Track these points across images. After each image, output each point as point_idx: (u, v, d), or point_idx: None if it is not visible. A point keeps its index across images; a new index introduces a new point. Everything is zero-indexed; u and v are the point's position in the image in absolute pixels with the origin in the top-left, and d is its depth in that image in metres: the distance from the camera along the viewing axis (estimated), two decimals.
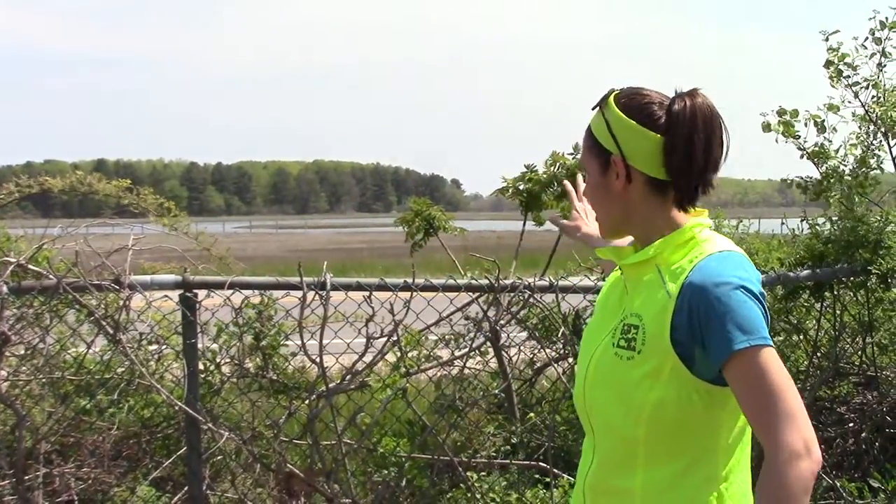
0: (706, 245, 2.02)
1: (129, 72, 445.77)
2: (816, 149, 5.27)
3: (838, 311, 5.11)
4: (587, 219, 2.74)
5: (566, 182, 3.01)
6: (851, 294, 5.20)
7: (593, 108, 2.09)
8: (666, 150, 1.98)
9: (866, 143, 5.28)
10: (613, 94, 2.07)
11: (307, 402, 4.51)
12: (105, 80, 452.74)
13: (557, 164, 5.58)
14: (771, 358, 1.87)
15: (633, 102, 2.03)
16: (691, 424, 1.96)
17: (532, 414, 4.93)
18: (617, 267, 2.20)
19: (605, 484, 2.06)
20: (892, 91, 5.24)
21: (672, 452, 1.97)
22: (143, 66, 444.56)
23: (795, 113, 5.25)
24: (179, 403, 4.34)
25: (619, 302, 2.11)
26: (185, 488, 4.44)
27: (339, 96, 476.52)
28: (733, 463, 2.02)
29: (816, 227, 5.21)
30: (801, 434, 1.82)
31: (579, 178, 2.87)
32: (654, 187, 2.03)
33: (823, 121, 5.26)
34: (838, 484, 4.86)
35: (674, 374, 1.93)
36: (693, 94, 2.01)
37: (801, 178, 5.39)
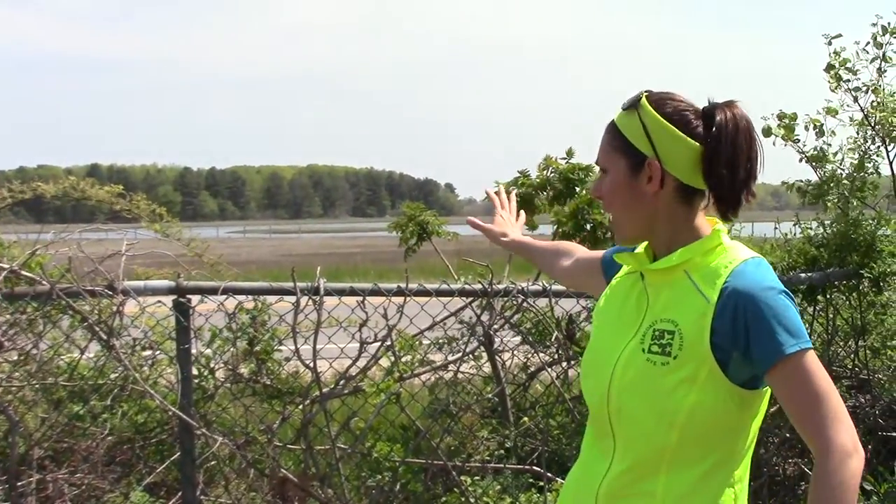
0: (735, 251, 2.06)
1: (122, 76, 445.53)
2: (815, 153, 5.29)
3: (831, 315, 5.13)
4: (511, 226, 2.89)
5: (488, 191, 3.08)
6: (844, 297, 5.21)
7: (624, 108, 2.10)
8: (707, 158, 2.01)
9: (863, 148, 5.29)
10: (645, 95, 2.09)
11: (301, 406, 4.51)
12: (99, 84, 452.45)
13: (550, 169, 5.59)
14: (815, 361, 1.94)
15: (670, 108, 2.06)
16: (719, 428, 1.99)
17: (526, 418, 4.93)
18: (619, 272, 2.26)
19: (627, 489, 2.03)
20: (892, 96, 5.26)
21: (697, 456, 1.99)
22: (136, 69, 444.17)
23: (794, 116, 5.27)
24: (173, 409, 4.34)
25: (638, 307, 2.10)
26: (179, 494, 4.43)
27: (333, 100, 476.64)
28: (745, 465, 2.06)
29: (809, 231, 5.22)
30: (850, 434, 1.89)
31: (501, 188, 3.05)
32: (684, 194, 2.06)
33: (822, 125, 5.27)
34: None
35: (710, 378, 1.95)
36: (731, 104, 2.05)
37: (801, 181, 5.41)
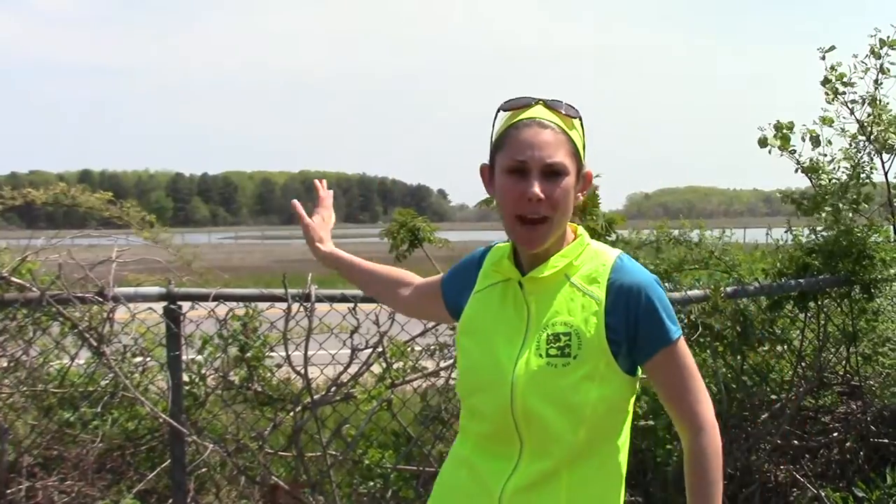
0: (602, 249, 2.19)
1: (114, 81, 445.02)
2: (811, 164, 5.31)
3: (822, 322, 5.13)
4: (327, 230, 2.82)
5: (316, 182, 2.95)
6: (835, 304, 5.22)
7: (573, 117, 2.13)
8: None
9: (856, 159, 5.31)
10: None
11: (292, 413, 4.50)
12: (90, 89, 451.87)
13: None
14: (685, 344, 2.15)
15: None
16: (616, 417, 2.13)
17: None
18: (477, 287, 2.26)
19: (536, 488, 2.07)
20: (887, 108, 5.28)
21: (597, 446, 2.10)
22: (128, 75, 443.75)
23: (791, 126, 5.28)
24: (164, 416, 4.33)
25: (518, 316, 2.14)
26: (170, 501, 4.42)
27: (325, 106, 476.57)
28: (627, 443, 2.19)
29: (800, 237, 5.23)
30: (713, 410, 2.15)
31: (324, 181, 2.96)
32: None
33: (818, 136, 5.30)
34: (823, 493, 4.88)
35: (608, 371, 2.07)
36: None
37: (796, 193, 5.43)
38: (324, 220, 2.81)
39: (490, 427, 2.13)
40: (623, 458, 2.16)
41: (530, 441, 2.08)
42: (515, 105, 2.14)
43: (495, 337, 2.14)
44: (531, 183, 2.05)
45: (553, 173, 2.06)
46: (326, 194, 2.88)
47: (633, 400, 2.18)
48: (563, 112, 2.11)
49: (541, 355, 2.06)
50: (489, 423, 2.12)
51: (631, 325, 2.07)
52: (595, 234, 5.25)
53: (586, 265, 2.14)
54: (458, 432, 2.31)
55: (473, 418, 2.18)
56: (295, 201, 2.84)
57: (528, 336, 2.10)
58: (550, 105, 2.12)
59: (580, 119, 2.15)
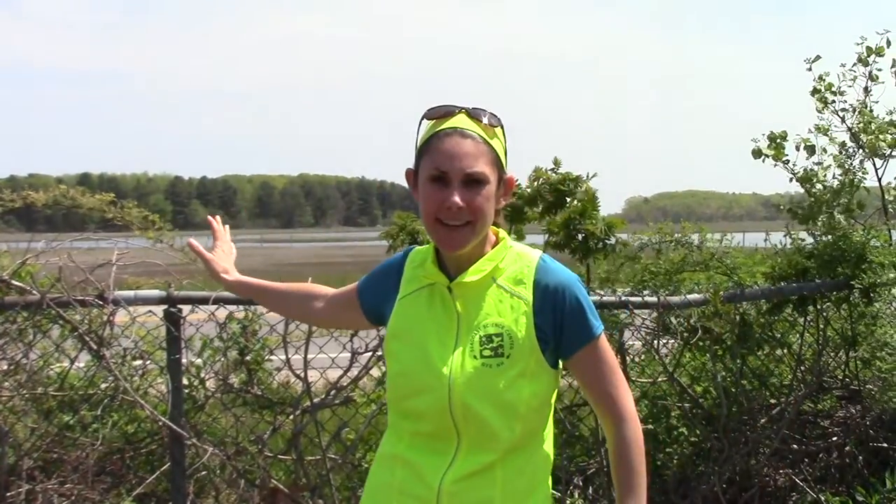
0: (524, 251, 2.26)
1: (113, 85, 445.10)
2: (805, 174, 5.33)
3: (821, 326, 5.13)
4: (230, 261, 2.89)
5: (210, 218, 2.99)
6: (834, 308, 5.22)
7: (495, 126, 2.18)
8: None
9: (847, 165, 5.33)
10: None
11: (292, 417, 4.50)
12: (90, 93, 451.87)
13: (541, 180, 5.59)
14: (605, 340, 2.26)
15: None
16: (544, 410, 2.24)
17: None
18: (402, 293, 2.29)
19: (472, 481, 2.13)
20: (875, 115, 5.31)
21: (528, 439, 2.20)
22: (127, 79, 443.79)
23: (784, 135, 5.30)
24: (163, 419, 4.33)
25: (448, 318, 2.19)
26: None
27: (324, 110, 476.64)
28: (552, 430, 2.31)
29: (799, 242, 5.24)
30: (633, 402, 2.28)
31: (218, 218, 2.99)
32: None
33: (813, 145, 5.32)
34: (822, 498, 4.88)
35: (538, 368, 2.17)
36: None
37: (791, 203, 5.46)
38: (225, 252, 2.90)
39: (429, 426, 2.18)
40: (549, 446, 2.28)
41: (467, 436, 2.14)
42: (438, 114, 2.18)
43: (426, 341, 2.19)
44: (452, 192, 2.10)
45: (473, 182, 2.12)
46: (222, 230, 2.96)
47: (556, 393, 2.28)
48: (485, 121, 2.16)
49: (475, 356, 2.13)
50: (428, 423, 2.18)
51: (557, 324, 2.17)
52: (594, 238, 5.26)
53: (511, 267, 2.21)
54: (386, 433, 2.36)
55: (408, 418, 2.23)
56: (190, 241, 2.94)
57: (459, 338, 2.16)
58: (472, 114, 2.16)
59: (502, 127, 2.21)
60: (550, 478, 2.30)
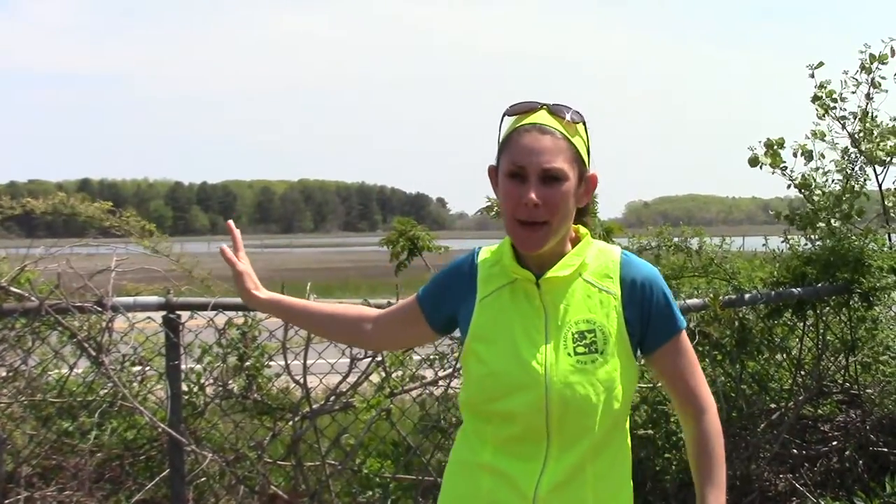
0: (605, 246, 2.26)
1: (114, 90, 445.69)
2: (803, 180, 5.33)
3: (821, 330, 5.13)
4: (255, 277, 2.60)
5: (230, 224, 2.68)
6: (834, 313, 5.22)
7: (577, 122, 2.16)
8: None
9: (848, 172, 5.33)
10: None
11: (291, 423, 4.50)
12: (90, 98, 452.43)
13: None
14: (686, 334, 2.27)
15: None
16: (628, 404, 2.22)
17: None
18: (481, 294, 2.23)
19: (568, 482, 2.11)
20: (878, 123, 5.32)
21: (613, 435, 2.18)
22: (127, 84, 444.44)
23: (782, 142, 5.31)
24: (162, 425, 4.33)
25: (535, 316, 2.16)
26: None
27: (324, 115, 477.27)
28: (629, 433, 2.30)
29: (798, 246, 5.24)
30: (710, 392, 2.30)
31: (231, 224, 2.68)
32: None
33: (811, 151, 5.33)
34: (822, 502, 4.87)
35: (628, 363, 2.17)
36: None
37: (788, 209, 5.46)
38: (250, 272, 2.60)
39: (519, 429, 2.14)
40: (628, 440, 2.26)
41: (559, 438, 2.11)
42: (520, 110, 2.17)
43: (516, 339, 2.15)
44: (528, 188, 2.08)
45: (551, 178, 2.09)
46: (240, 243, 2.65)
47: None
48: (567, 117, 2.13)
49: (569, 353, 2.11)
50: (519, 425, 2.13)
51: (645, 318, 2.18)
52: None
53: (595, 262, 2.20)
54: (461, 434, 2.30)
55: (492, 422, 2.17)
56: (223, 247, 2.61)
57: (549, 335, 2.14)
58: (554, 110, 2.14)
59: (584, 124, 2.19)
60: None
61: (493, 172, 2.24)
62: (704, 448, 2.23)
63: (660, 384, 4.89)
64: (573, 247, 2.21)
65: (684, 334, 2.25)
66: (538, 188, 2.08)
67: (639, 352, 2.24)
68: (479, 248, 2.35)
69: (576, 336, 2.13)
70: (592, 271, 2.18)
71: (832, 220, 5.14)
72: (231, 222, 2.69)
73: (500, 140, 2.20)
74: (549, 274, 2.15)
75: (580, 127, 2.17)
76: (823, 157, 5.34)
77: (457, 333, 2.41)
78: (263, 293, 2.55)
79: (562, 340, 2.12)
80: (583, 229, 2.25)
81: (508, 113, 2.19)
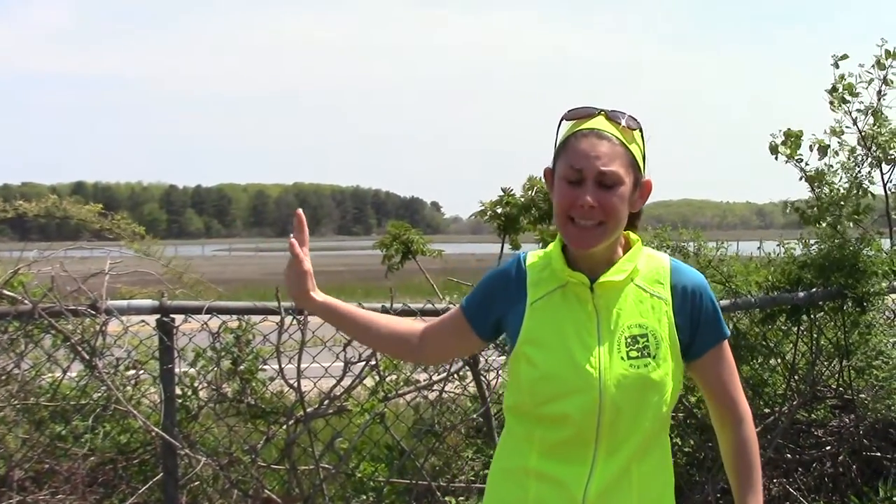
0: (654, 253, 2.32)
1: (107, 93, 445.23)
2: (815, 173, 5.33)
3: (815, 335, 5.13)
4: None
5: (299, 212, 2.46)
6: (828, 318, 5.22)
7: (633, 129, 2.20)
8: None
9: (856, 170, 5.33)
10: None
11: (285, 427, 4.49)
12: (83, 101, 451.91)
13: (535, 188, 5.59)
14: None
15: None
16: (671, 408, 2.25)
17: None
18: (531, 297, 2.25)
19: (615, 485, 2.15)
20: (887, 120, 5.32)
21: (656, 438, 2.23)
22: (121, 87, 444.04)
23: (801, 134, 5.31)
24: (156, 429, 4.32)
25: (588, 319, 2.19)
26: None
27: (319, 118, 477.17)
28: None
29: (792, 251, 5.24)
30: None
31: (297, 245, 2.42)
32: None
33: (828, 146, 5.33)
34: None
35: (677, 366, 2.22)
36: None
37: (800, 202, 5.46)
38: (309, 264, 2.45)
39: (570, 432, 2.16)
40: (669, 446, 2.32)
41: (607, 441, 2.15)
42: (578, 115, 2.22)
43: (569, 343, 2.18)
44: (585, 191, 2.13)
45: (607, 182, 2.14)
46: (306, 231, 2.47)
47: None
48: (624, 123, 2.18)
49: (623, 357, 2.16)
50: (570, 428, 2.16)
51: (694, 324, 2.23)
52: None
53: (646, 268, 2.25)
54: (503, 441, 2.33)
55: (541, 426, 2.20)
56: (292, 240, 2.42)
57: (601, 338, 2.17)
58: (611, 116, 2.19)
59: (641, 130, 2.23)
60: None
61: (549, 175, 2.28)
62: (744, 456, 2.31)
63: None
64: (624, 253, 2.25)
65: (727, 343, 2.31)
66: (594, 192, 2.13)
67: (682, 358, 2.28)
68: (525, 252, 2.38)
69: (628, 340, 2.17)
70: (644, 277, 2.23)
71: (841, 218, 5.12)
72: (300, 212, 2.48)
73: (558, 144, 2.24)
74: (604, 278, 2.19)
75: (636, 133, 2.22)
76: (837, 153, 5.33)
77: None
78: (319, 296, 2.45)
79: (615, 344, 2.17)
80: (634, 236, 2.29)
81: (566, 118, 2.24)
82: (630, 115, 2.20)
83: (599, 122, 2.17)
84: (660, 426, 2.21)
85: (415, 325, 2.52)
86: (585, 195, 2.12)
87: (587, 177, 2.13)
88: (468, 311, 2.39)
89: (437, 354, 2.64)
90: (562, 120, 2.24)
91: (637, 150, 2.20)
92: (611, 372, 2.14)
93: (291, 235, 2.43)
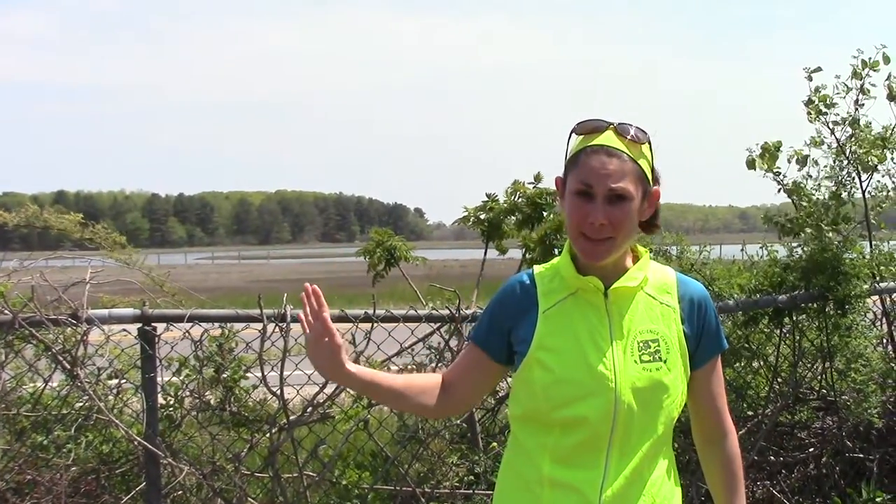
0: (658, 265, 2.39)
1: (89, 102, 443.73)
2: (794, 186, 5.35)
3: (797, 337, 5.15)
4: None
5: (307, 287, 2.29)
6: (810, 320, 5.24)
7: (641, 143, 2.24)
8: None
9: (838, 179, 5.36)
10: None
11: (268, 434, 4.48)
12: (64, 110, 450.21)
13: (518, 194, 5.59)
14: None
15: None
16: (678, 414, 2.30)
17: (495, 443, 4.91)
18: (543, 307, 2.27)
19: (629, 488, 2.21)
20: (867, 128, 5.35)
21: (664, 440, 2.29)
22: (102, 95, 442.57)
23: (779, 145, 5.33)
24: (138, 438, 4.30)
25: (600, 324, 2.24)
26: None
27: (301, 126, 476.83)
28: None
29: (775, 253, 5.26)
30: None
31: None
32: None
33: (807, 156, 5.35)
34: None
35: (684, 372, 2.29)
36: None
37: (778, 215, 5.48)
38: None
39: (584, 436, 2.20)
40: (674, 456, 2.38)
41: (620, 444, 2.20)
42: (587, 129, 2.25)
43: (583, 347, 2.22)
44: (596, 208, 2.17)
45: (617, 198, 2.18)
46: (325, 308, 2.31)
47: None
48: (632, 137, 2.22)
49: (636, 361, 2.22)
50: (585, 431, 2.19)
51: (698, 334, 2.32)
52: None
53: (654, 277, 2.32)
54: (511, 452, 2.35)
55: (554, 432, 2.22)
56: (327, 317, 2.29)
57: (615, 342, 2.23)
58: (620, 131, 2.22)
59: (649, 142, 2.26)
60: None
61: (561, 184, 2.32)
62: (731, 469, 2.42)
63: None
64: (633, 263, 2.31)
65: (720, 355, 2.40)
66: (605, 208, 2.17)
67: None
68: (530, 271, 2.39)
69: (641, 344, 2.23)
70: (653, 286, 2.30)
71: (822, 226, 5.15)
72: (309, 287, 2.33)
73: (568, 156, 2.28)
74: (618, 284, 2.25)
75: (644, 147, 2.25)
76: (817, 163, 5.36)
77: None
78: (352, 366, 2.31)
79: (628, 348, 2.22)
80: (641, 248, 2.35)
81: (576, 132, 2.27)
82: (638, 128, 2.24)
83: (609, 139, 2.21)
84: (669, 431, 2.27)
85: (434, 376, 2.45)
86: (596, 212, 2.17)
87: (598, 193, 2.17)
88: (478, 339, 2.39)
89: (466, 397, 2.46)
90: (571, 133, 2.28)
91: (645, 163, 2.24)
92: (625, 375, 2.19)
93: (307, 311, 2.30)
